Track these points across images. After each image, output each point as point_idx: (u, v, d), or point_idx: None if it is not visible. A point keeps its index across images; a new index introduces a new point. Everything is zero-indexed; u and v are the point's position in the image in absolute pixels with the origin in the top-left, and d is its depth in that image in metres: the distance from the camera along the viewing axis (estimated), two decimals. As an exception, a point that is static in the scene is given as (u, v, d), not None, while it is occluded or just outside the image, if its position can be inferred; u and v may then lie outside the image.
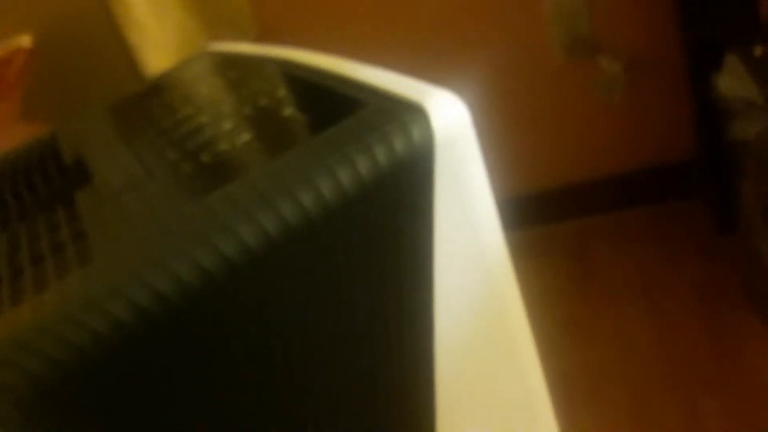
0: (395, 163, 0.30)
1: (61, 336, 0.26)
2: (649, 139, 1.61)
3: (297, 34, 1.13)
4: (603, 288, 1.49)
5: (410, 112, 0.31)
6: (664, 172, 1.63)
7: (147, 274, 0.27)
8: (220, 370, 0.29)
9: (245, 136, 0.39)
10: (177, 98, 0.62)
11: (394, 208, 0.31)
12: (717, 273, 1.41)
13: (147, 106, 0.63)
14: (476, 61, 1.53)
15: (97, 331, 0.26)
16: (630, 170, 1.64)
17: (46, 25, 1.37)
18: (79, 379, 0.26)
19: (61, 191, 0.47)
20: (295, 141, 0.34)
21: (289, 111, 0.40)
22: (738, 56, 1.05)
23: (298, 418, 0.32)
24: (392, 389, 0.34)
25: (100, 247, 0.32)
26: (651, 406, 1.20)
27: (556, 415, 0.45)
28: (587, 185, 1.66)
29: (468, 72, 1.55)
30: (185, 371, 0.29)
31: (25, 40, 1.23)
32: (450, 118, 0.31)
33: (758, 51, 0.99)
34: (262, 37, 1.45)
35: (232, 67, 0.61)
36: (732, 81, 1.07)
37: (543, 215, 1.62)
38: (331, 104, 0.38)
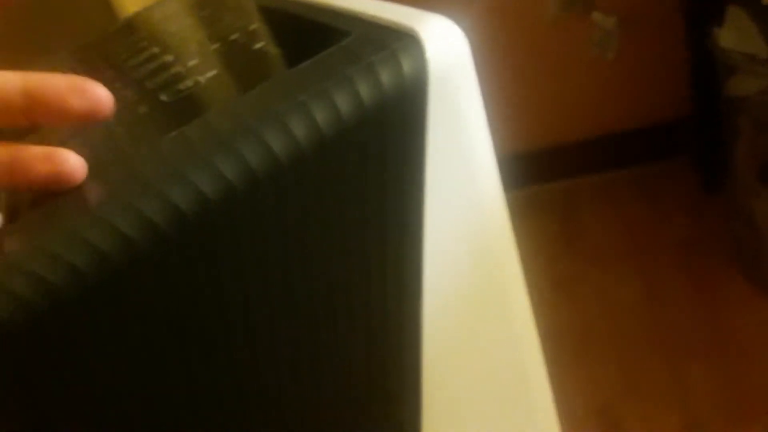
0: (381, 100, 0.26)
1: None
2: (641, 97, 1.57)
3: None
4: (590, 248, 1.48)
5: (400, 40, 0.27)
6: (653, 132, 1.60)
7: (83, 230, 0.23)
8: (176, 329, 0.26)
9: (210, 73, 0.34)
10: (143, 39, 0.57)
11: (381, 153, 0.27)
12: (704, 232, 1.40)
13: (110, 48, 0.58)
14: (467, 13, 1.47)
15: (45, 278, 0.22)
16: (620, 130, 1.61)
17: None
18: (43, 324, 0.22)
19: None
20: (265, 76, 0.30)
21: (261, 44, 0.35)
22: (742, 8, 1.01)
23: (266, 382, 0.29)
24: (378, 341, 0.31)
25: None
26: (637, 365, 1.20)
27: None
28: (576, 145, 1.63)
29: (457, 23, 1.49)
30: (128, 337, 0.25)
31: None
32: (447, 47, 0.27)
33: (766, 0, 0.95)
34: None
35: (207, 5, 0.56)
36: (734, 34, 1.03)
37: (530, 175, 1.59)
38: (310, 36, 0.33)
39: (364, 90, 0.25)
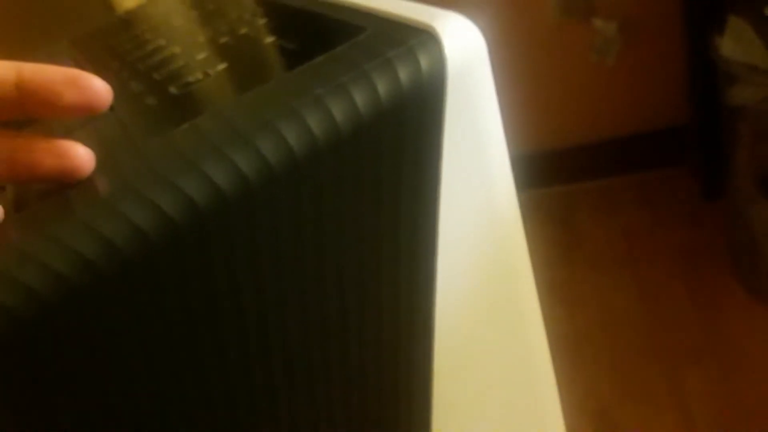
0: (399, 95, 0.25)
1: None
2: (641, 104, 1.57)
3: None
4: (587, 254, 1.48)
5: (418, 36, 0.26)
6: (652, 139, 1.60)
7: (94, 219, 0.22)
8: (187, 321, 0.25)
9: (220, 66, 0.34)
10: (147, 31, 0.56)
11: (397, 149, 0.26)
12: (702, 240, 1.40)
13: (113, 40, 0.57)
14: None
15: (56, 270, 0.21)
16: (619, 136, 1.61)
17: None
18: (33, 327, 0.22)
19: (5, 126, 0.42)
20: (279, 70, 0.29)
21: (272, 39, 0.35)
22: (744, 18, 1.01)
23: (275, 379, 0.28)
24: (390, 334, 0.30)
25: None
26: (634, 372, 1.20)
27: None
28: (575, 150, 1.63)
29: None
30: (130, 333, 0.24)
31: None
32: (465, 44, 0.27)
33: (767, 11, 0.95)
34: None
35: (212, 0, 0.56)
36: (735, 44, 1.03)
37: (529, 179, 1.59)
38: (324, 31, 0.33)
39: (382, 85, 0.25)
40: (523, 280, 0.34)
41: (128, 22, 0.63)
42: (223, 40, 0.39)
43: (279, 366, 0.28)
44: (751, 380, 1.13)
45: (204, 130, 0.25)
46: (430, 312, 0.30)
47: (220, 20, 0.45)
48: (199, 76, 0.33)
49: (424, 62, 0.26)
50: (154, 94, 0.34)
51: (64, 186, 0.25)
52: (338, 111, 0.25)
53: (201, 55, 0.38)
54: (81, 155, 0.26)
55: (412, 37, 0.26)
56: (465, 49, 0.27)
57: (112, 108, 0.27)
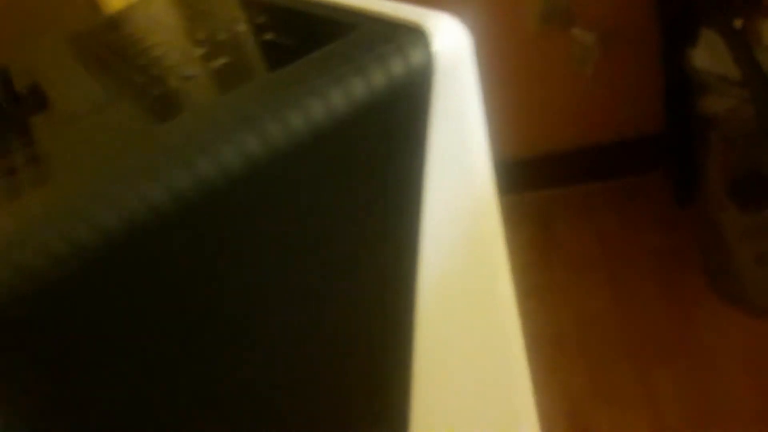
0: (392, 88, 0.27)
1: (13, 260, 0.23)
2: (617, 112, 1.61)
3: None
4: (563, 258, 1.51)
5: (409, 34, 0.28)
6: (627, 146, 1.64)
7: (112, 193, 0.24)
8: (171, 314, 0.27)
9: (219, 61, 0.36)
10: (142, 29, 0.57)
11: (387, 137, 0.28)
12: (675, 244, 1.44)
13: (109, 37, 0.59)
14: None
15: (56, 254, 0.23)
16: (596, 143, 1.65)
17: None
18: (32, 305, 0.23)
19: (13, 117, 0.43)
20: (278, 64, 0.31)
21: (269, 36, 0.37)
22: (715, 30, 1.05)
23: (259, 370, 0.30)
24: (370, 330, 0.32)
25: (58, 169, 0.29)
26: (607, 372, 1.23)
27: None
28: (552, 157, 1.67)
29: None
30: (125, 315, 0.26)
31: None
32: (452, 43, 0.29)
33: (738, 23, 0.99)
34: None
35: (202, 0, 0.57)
36: (707, 55, 1.07)
37: (506, 184, 1.61)
38: (318, 29, 0.35)
39: (376, 78, 0.27)
40: (501, 281, 0.36)
41: (120, 20, 0.64)
42: (221, 37, 0.41)
43: (259, 361, 0.29)
44: (721, 381, 1.16)
45: (214, 115, 0.27)
46: (410, 311, 0.32)
47: (215, 18, 0.47)
48: (198, 70, 0.35)
49: (414, 58, 0.28)
50: (157, 86, 0.35)
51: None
52: (338, 99, 0.27)
53: (198, 51, 0.39)
54: None
55: (402, 34, 0.29)
56: (452, 47, 0.29)
57: (116, 97, 0.29)
